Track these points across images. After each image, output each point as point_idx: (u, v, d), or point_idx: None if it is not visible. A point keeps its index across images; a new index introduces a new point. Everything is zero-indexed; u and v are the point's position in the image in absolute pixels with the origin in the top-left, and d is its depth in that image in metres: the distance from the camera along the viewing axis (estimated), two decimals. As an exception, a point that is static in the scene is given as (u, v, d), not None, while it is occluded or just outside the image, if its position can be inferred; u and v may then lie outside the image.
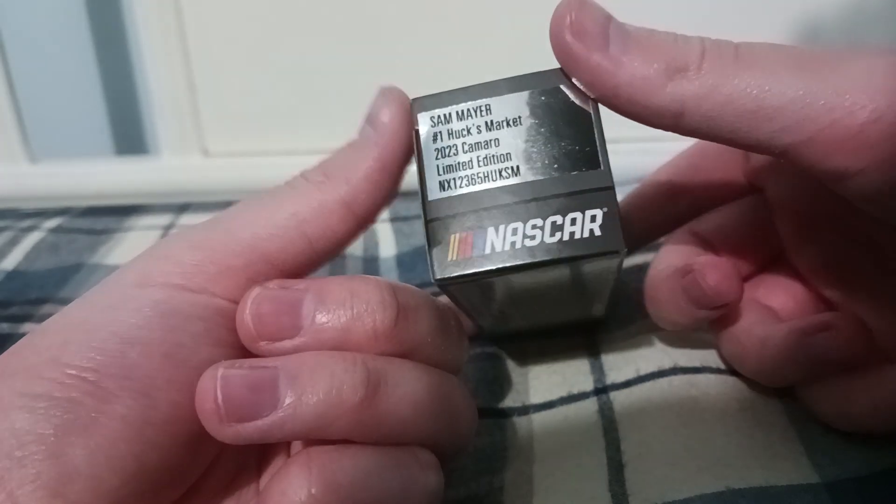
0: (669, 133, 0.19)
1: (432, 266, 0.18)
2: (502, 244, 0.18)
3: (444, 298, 0.21)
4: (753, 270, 0.27)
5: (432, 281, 0.18)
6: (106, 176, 0.50)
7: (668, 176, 0.28)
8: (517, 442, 0.24)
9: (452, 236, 0.18)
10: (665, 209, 0.28)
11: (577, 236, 0.18)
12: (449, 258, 0.18)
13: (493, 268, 0.18)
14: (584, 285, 0.21)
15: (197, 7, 0.47)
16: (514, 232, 0.18)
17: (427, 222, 0.19)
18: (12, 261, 0.38)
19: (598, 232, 0.18)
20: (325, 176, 0.20)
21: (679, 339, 0.27)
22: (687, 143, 0.28)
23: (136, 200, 0.47)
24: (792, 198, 0.25)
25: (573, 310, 0.25)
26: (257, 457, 0.21)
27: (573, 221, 0.18)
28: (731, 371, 0.25)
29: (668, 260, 0.26)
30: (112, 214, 0.45)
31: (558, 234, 0.18)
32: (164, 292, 0.18)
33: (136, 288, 0.18)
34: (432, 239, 0.18)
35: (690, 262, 0.24)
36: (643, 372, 0.25)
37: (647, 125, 0.18)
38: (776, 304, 0.25)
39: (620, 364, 0.26)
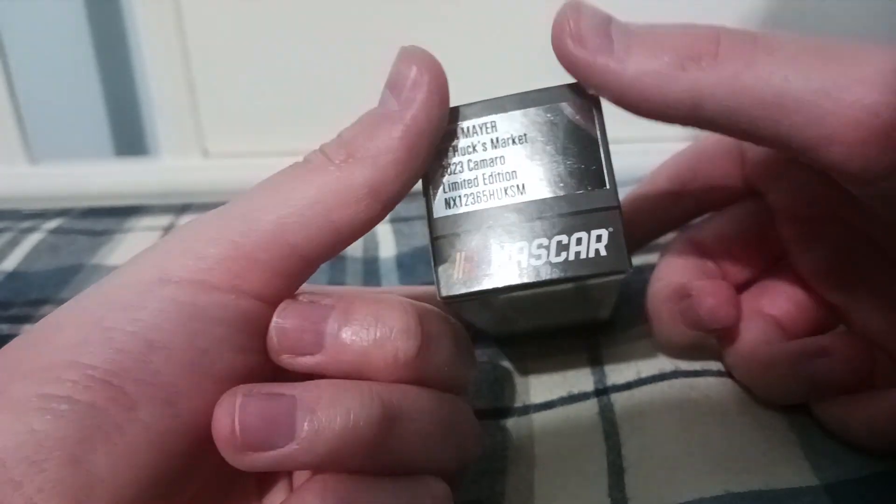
0: (670, 133, 0.19)
1: (438, 284, 0.18)
2: (508, 263, 0.18)
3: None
4: (754, 276, 0.27)
5: (437, 298, 0.18)
6: (106, 177, 0.50)
7: (667, 177, 0.28)
8: (518, 443, 0.24)
9: (458, 254, 0.18)
10: (665, 210, 0.28)
11: (583, 256, 0.18)
12: (455, 276, 0.18)
13: (499, 286, 0.18)
14: (588, 297, 0.21)
15: (197, 8, 0.47)
16: (520, 251, 0.18)
17: (433, 240, 0.19)
18: (12, 262, 0.38)
19: (603, 252, 0.18)
20: (348, 155, 0.18)
21: (680, 341, 0.27)
22: (685, 144, 0.28)
23: (136, 201, 0.47)
24: (793, 203, 0.24)
25: (577, 315, 0.25)
26: (258, 477, 0.20)
27: (578, 241, 0.18)
28: (732, 374, 0.25)
29: (668, 276, 0.26)
30: (112, 215, 0.45)
31: (563, 254, 0.18)
32: (188, 292, 0.17)
33: (156, 285, 0.17)
34: (438, 256, 0.19)
35: (689, 285, 0.24)
36: (644, 374, 0.25)
37: (664, 121, 0.18)
38: (778, 312, 0.25)
39: (621, 366, 0.26)
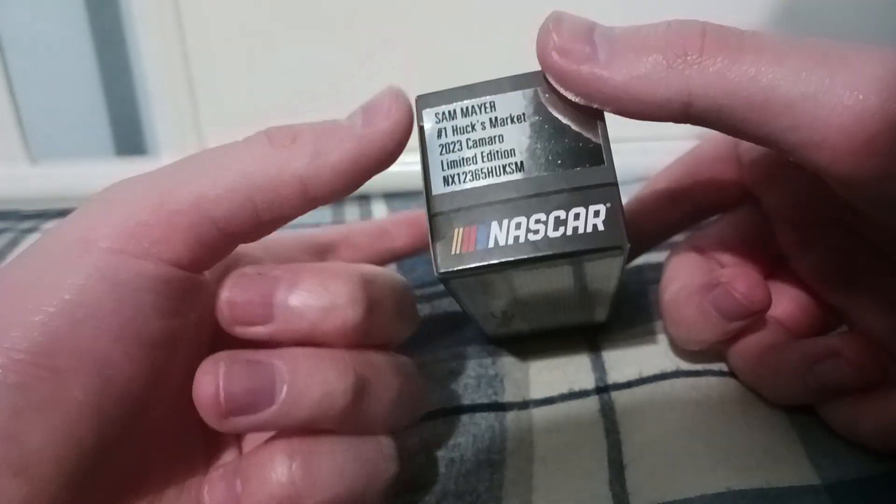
0: (669, 132, 0.18)
1: (436, 259, 0.18)
2: (506, 238, 0.18)
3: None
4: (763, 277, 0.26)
5: (435, 275, 0.18)
6: (106, 176, 0.49)
7: (665, 183, 0.27)
8: (517, 436, 0.24)
9: (456, 230, 0.18)
10: (664, 216, 0.28)
11: (581, 231, 0.18)
12: (452, 252, 0.18)
13: (497, 262, 0.18)
14: (588, 285, 0.21)
15: (196, 7, 0.47)
16: (518, 226, 0.18)
17: (431, 216, 0.19)
18: (12, 262, 0.38)
19: (601, 227, 0.18)
20: (291, 140, 0.18)
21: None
22: (684, 142, 0.27)
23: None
24: (790, 206, 0.24)
25: (576, 313, 0.25)
26: (204, 447, 0.21)
27: (576, 216, 0.18)
28: (734, 374, 0.25)
29: (682, 278, 0.25)
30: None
31: (561, 229, 0.18)
32: (109, 259, 0.17)
33: (78, 251, 0.17)
34: (436, 233, 0.18)
35: (715, 275, 0.23)
36: (645, 374, 0.25)
37: (658, 121, 0.18)
38: (782, 313, 0.25)
39: (622, 364, 0.26)
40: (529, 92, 0.19)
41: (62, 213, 0.44)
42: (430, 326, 0.30)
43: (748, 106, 0.16)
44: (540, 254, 0.18)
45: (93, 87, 0.53)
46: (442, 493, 0.22)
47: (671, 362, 0.26)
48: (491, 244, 0.18)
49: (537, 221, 0.18)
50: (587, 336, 0.28)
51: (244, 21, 0.47)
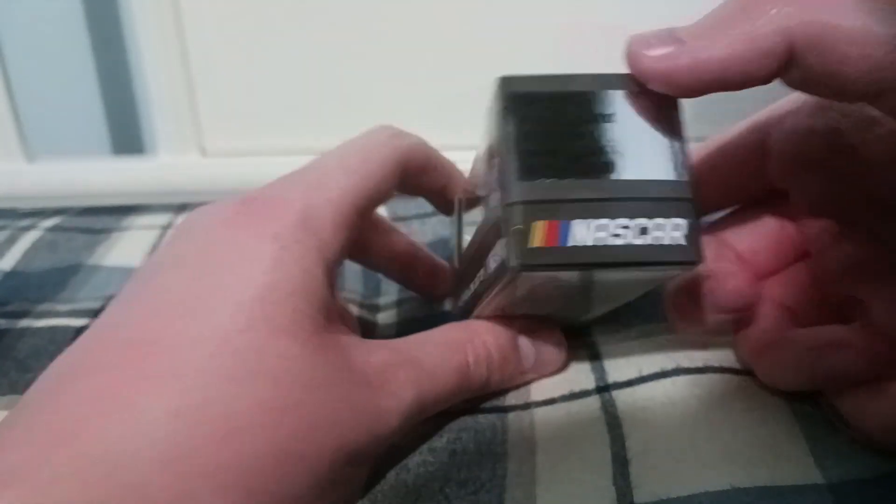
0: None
1: (509, 252, 0.18)
2: (589, 238, 0.18)
3: None
4: (775, 270, 0.26)
5: (509, 265, 0.18)
6: (103, 175, 0.49)
7: None
8: (519, 432, 0.24)
9: (535, 223, 0.18)
10: None
11: (663, 242, 0.18)
12: (529, 245, 0.18)
13: (581, 262, 0.18)
14: (631, 290, 0.21)
15: (195, 5, 0.47)
16: (601, 228, 0.18)
17: (507, 205, 0.18)
18: (10, 260, 0.38)
19: (682, 241, 0.18)
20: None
21: (679, 342, 0.27)
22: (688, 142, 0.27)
23: (133, 200, 0.47)
24: (817, 200, 0.24)
25: (592, 311, 0.25)
26: None
27: (658, 227, 0.18)
28: (735, 371, 0.25)
29: None
30: (110, 214, 0.44)
31: (644, 238, 0.18)
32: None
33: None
34: (510, 221, 0.18)
35: (708, 268, 0.24)
36: (645, 372, 0.25)
37: (768, 79, 0.17)
38: (793, 304, 0.25)
39: (622, 365, 0.26)
40: (620, 93, 0.19)
41: (60, 212, 0.44)
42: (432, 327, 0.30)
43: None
44: (623, 259, 0.18)
45: (90, 84, 0.53)
46: (444, 479, 0.22)
47: (671, 361, 0.26)
48: (572, 242, 0.18)
49: (620, 226, 0.18)
50: (586, 343, 0.28)
51: (244, 21, 0.47)
